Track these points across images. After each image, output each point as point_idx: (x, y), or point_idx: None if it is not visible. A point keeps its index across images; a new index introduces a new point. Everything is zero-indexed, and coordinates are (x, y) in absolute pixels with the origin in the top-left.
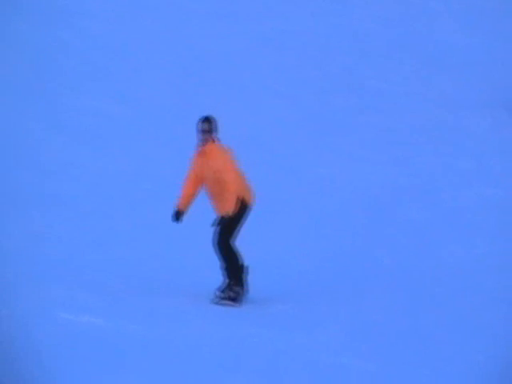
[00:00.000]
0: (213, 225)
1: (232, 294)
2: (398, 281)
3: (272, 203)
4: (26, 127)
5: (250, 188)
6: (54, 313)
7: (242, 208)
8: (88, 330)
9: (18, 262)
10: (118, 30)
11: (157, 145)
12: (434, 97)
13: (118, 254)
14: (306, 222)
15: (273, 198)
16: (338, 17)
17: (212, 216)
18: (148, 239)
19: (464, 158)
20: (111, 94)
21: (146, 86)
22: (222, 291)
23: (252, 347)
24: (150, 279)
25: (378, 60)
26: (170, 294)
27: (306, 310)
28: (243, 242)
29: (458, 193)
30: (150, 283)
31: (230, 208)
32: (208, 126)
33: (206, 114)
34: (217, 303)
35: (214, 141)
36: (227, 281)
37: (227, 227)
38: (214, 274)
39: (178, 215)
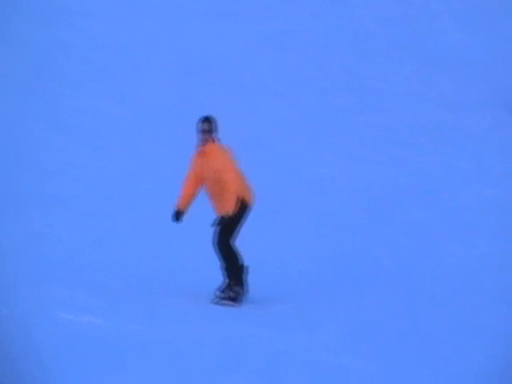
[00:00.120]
0: (213, 225)
1: (232, 294)
2: (398, 281)
3: (272, 203)
4: (26, 127)
5: (250, 188)
6: (54, 313)
7: (242, 208)
8: (88, 329)
9: (17, 262)
10: (118, 30)
11: (157, 145)
12: (434, 97)
13: (118, 254)
14: (306, 221)
15: (273, 197)
16: (338, 17)
17: (212, 216)
18: (148, 239)
19: (464, 158)
20: (111, 94)
21: (145, 86)
22: (222, 291)
23: (252, 347)
24: (150, 279)
25: (377, 60)
26: (169, 294)
27: (305, 310)
28: (243, 242)
29: (457, 193)
30: (150, 283)
31: (229, 208)
32: (208, 125)
33: (206, 113)
34: (217, 303)
35: (214, 141)
36: (227, 281)
37: (227, 227)
38: (214, 274)
39: (177, 215)
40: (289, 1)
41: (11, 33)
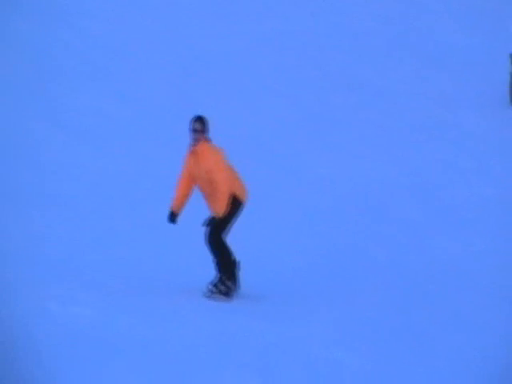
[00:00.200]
0: (204, 224)
1: (223, 289)
2: (393, 278)
3: (267, 199)
4: (26, 127)
5: (243, 185)
6: (54, 313)
7: (236, 205)
8: (88, 329)
9: (18, 262)
10: (118, 30)
11: (157, 145)
12: (434, 95)
13: (118, 254)
14: (300, 218)
15: (268, 194)
16: (338, 16)
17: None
18: (148, 239)
19: (463, 157)
20: (111, 94)
21: (146, 86)
22: (214, 285)
23: (243, 341)
24: (150, 279)
25: (377, 59)
26: (167, 292)
27: (298, 306)
28: (236, 238)
29: (456, 191)
30: (150, 283)
31: (221, 209)
32: (200, 125)
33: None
34: (209, 297)
35: (205, 140)
36: (219, 275)
37: (220, 223)
38: (210, 272)
39: (172, 217)
40: (289, 1)
41: (11, 33)
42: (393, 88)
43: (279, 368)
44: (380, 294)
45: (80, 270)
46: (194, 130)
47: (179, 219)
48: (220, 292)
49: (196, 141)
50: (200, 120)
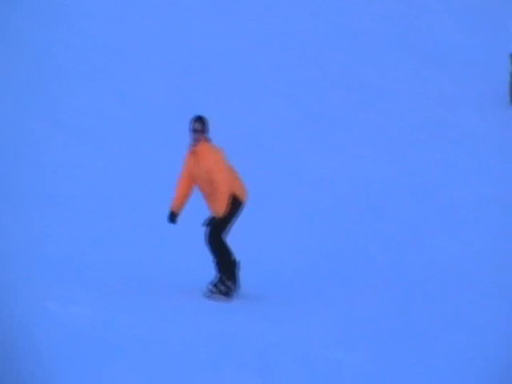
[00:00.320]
0: (204, 224)
1: (223, 289)
2: (392, 277)
3: (267, 200)
4: (27, 127)
5: (243, 186)
6: (54, 313)
7: (236, 204)
8: (88, 329)
9: (18, 262)
10: (118, 30)
11: (157, 145)
12: (433, 95)
13: (118, 254)
14: (300, 218)
15: (268, 194)
16: (338, 16)
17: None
18: (148, 239)
19: (463, 157)
20: (111, 94)
21: (146, 86)
22: (214, 285)
23: (243, 340)
24: (150, 279)
25: (377, 59)
26: (168, 293)
27: (298, 305)
28: (236, 238)
29: (456, 191)
30: (150, 283)
31: (221, 209)
32: (200, 125)
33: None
34: (208, 297)
35: (205, 140)
36: (219, 275)
37: (220, 223)
38: (212, 272)
39: (172, 217)
40: (289, 1)
41: (11, 32)
42: (393, 88)
43: (279, 368)
44: (380, 294)
45: (80, 270)
46: (194, 130)
47: (179, 219)
48: (220, 292)
49: (196, 141)
50: (200, 120)
